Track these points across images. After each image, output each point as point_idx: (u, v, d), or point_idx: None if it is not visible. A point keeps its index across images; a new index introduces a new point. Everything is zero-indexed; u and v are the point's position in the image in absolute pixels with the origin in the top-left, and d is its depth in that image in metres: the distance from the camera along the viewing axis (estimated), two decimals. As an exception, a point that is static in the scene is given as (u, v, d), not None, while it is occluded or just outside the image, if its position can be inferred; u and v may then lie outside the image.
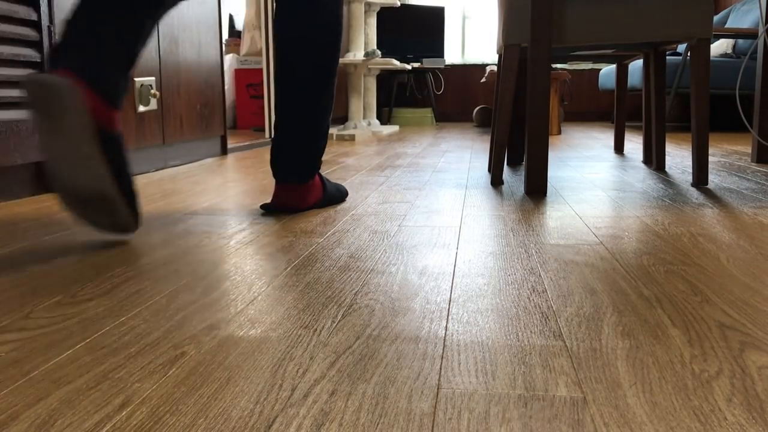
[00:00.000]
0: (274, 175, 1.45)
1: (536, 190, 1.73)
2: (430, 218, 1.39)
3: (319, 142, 1.45)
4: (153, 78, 2.25)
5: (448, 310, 0.80)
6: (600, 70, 6.10)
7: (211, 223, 1.35)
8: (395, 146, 3.36)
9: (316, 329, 0.73)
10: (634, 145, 3.28)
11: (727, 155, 2.72)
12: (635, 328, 0.73)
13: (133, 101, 2.14)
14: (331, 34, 1.40)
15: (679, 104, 5.03)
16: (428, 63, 5.68)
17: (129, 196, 1.14)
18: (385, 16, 5.80)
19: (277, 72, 1.41)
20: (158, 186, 1.92)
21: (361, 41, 4.26)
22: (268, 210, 1.47)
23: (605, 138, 3.82)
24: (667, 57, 4.24)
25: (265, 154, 2.95)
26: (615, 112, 2.95)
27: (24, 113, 1.67)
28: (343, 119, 5.18)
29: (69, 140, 1.03)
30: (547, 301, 0.83)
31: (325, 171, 2.26)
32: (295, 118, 1.42)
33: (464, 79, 6.34)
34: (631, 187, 1.81)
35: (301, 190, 1.45)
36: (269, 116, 3.66)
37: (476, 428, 0.51)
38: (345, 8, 4.81)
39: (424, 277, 0.94)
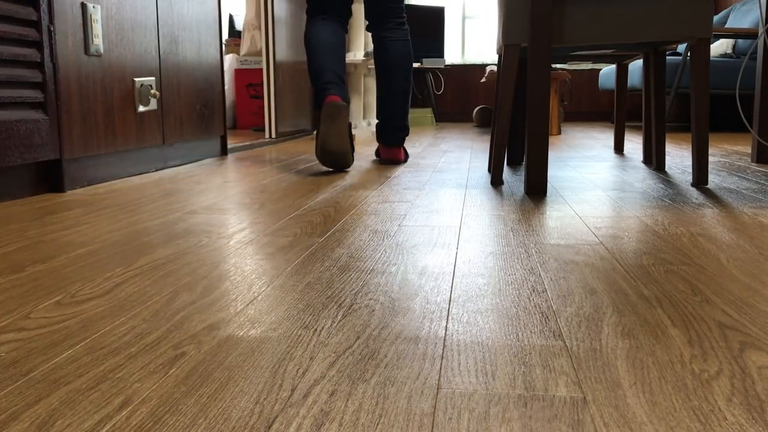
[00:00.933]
0: (383, 142, 2.47)
1: (536, 190, 1.73)
2: (430, 218, 1.39)
3: (407, 122, 2.46)
4: (153, 78, 2.25)
5: (448, 310, 0.80)
6: (600, 70, 6.10)
7: (211, 223, 1.35)
8: (395, 146, 3.36)
9: (316, 329, 0.73)
10: (634, 145, 3.28)
11: (727, 155, 2.72)
12: (635, 328, 0.73)
13: (133, 101, 2.14)
14: (411, 52, 2.44)
15: (679, 104, 5.03)
16: (428, 63, 5.68)
17: (353, 151, 2.24)
18: (385, 16, 5.79)
19: (380, 78, 2.42)
20: (158, 186, 1.92)
21: (361, 41, 4.26)
22: (380, 161, 2.54)
23: (605, 138, 3.82)
24: (667, 57, 4.24)
25: (266, 154, 2.95)
26: (615, 112, 2.95)
27: (23, 113, 1.67)
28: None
29: (342, 128, 2.13)
30: (547, 301, 0.83)
31: (325, 171, 2.26)
32: (394, 108, 2.41)
33: (464, 79, 6.34)
34: (631, 187, 1.81)
35: (401, 150, 2.51)
36: (269, 116, 3.65)
37: (476, 428, 0.51)
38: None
39: (424, 277, 0.94)
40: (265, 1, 3.58)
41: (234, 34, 5.16)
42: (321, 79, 2.21)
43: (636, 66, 4.40)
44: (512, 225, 1.31)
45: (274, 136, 3.66)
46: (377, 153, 2.58)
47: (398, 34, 2.40)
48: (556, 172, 2.20)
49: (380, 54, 2.40)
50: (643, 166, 2.35)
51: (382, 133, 2.46)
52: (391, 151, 2.48)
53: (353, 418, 0.53)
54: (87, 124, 1.91)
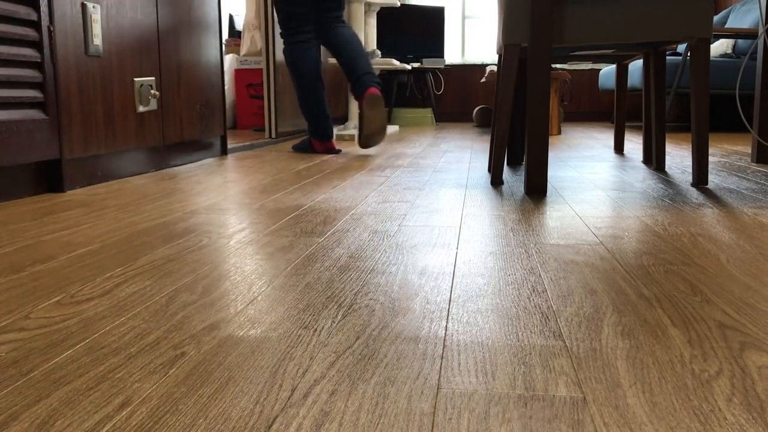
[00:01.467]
0: (361, 86, 2.73)
1: (536, 190, 1.73)
2: (430, 218, 1.39)
3: (374, 72, 2.81)
4: (153, 78, 2.25)
5: (448, 310, 0.80)
6: (600, 70, 6.09)
7: (211, 223, 1.35)
8: (395, 146, 3.36)
9: (316, 329, 0.73)
10: (634, 145, 3.28)
11: (727, 155, 2.72)
12: (635, 328, 0.73)
13: (133, 101, 2.14)
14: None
15: (679, 104, 5.03)
16: (428, 63, 5.68)
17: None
18: (385, 16, 5.80)
19: (340, 50, 2.81)
20: (158, 186, 1.92)
21: (361, 41, 4.26)
22: (359, 148, 3.10)
23: (605, 138, 3.82)
24: (667, 57, 4.24)
25: (266, 154, 2.95)
26: (615, 112, 2.95)
27: (23, 113, 1.67)
28: (343, 119, 5.17)
29: (382, 113, 2.75)
30: (547, 301, 0.83)
31: (325, 171, 2.26)
32: (362, 62, 2.78)
33: (464, 79, 6.34)
34: (631, 187, 1.81)
35: (378, 89, 2.78)
36: (269, 116, 3.65)
37: (476, 428, 0.51)
38: (345, 8, 4.81)
39: (424, 277, 0.94)
40: (265, 1, 3.58)
41: (234, 34, 5.16)
42: (325, 124, 2.91)
43: (636, 66, 4.40)
44: (512, 225, 1.31)
45: (274, 136, 3.66)
46: (359, 142, 2.85)
47: (344, 25, 2.91)
48: (556, 172, 2.20)
49: (333, 38, 2.84)
50: (643, 166, 2.35)
51: (358, 81, 2.77)
52: (373, 89, 2.77)
53: (353, 418, 0.53)
54: (87, 124, 1.91)
